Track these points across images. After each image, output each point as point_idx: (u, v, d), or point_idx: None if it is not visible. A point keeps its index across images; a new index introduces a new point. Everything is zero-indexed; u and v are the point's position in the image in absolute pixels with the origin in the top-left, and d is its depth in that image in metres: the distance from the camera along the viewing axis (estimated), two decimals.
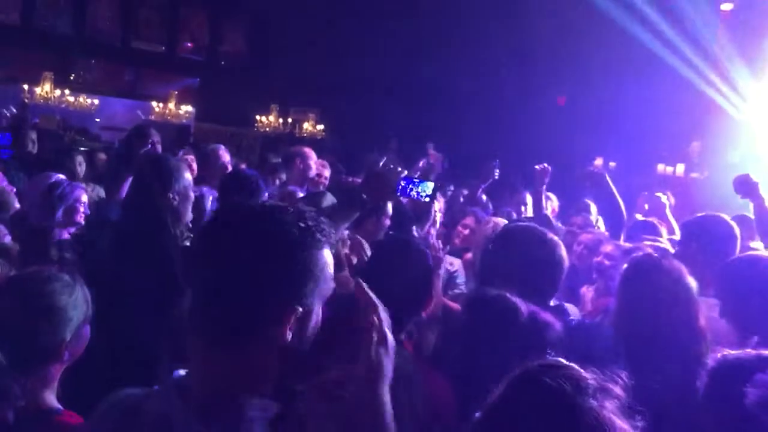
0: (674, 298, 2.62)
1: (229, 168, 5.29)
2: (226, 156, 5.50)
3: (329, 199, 3.39)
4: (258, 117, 16.21)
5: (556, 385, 1.26)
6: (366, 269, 2.60)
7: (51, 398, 1.93)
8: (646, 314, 2.25)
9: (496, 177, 6.11)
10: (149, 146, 4.56)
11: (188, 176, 3.00)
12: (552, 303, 2.73)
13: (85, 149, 8.50)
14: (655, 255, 2.79)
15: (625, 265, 2.74)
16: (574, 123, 11.45)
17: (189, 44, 17.19)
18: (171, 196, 2.86)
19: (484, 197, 6.64)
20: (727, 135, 9.99)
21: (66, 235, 3.80)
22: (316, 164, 5.70)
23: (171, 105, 16.37)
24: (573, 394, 1.25)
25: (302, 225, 1.24)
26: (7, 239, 3.72)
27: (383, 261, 2.48)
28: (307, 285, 1.24)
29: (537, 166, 5.65)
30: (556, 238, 2.81)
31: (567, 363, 1.33)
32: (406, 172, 2.85)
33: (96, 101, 15.69)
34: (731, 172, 5.75)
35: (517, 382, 1.33)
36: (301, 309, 1.23)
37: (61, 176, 4.67)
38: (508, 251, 2.70)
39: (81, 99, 15.44)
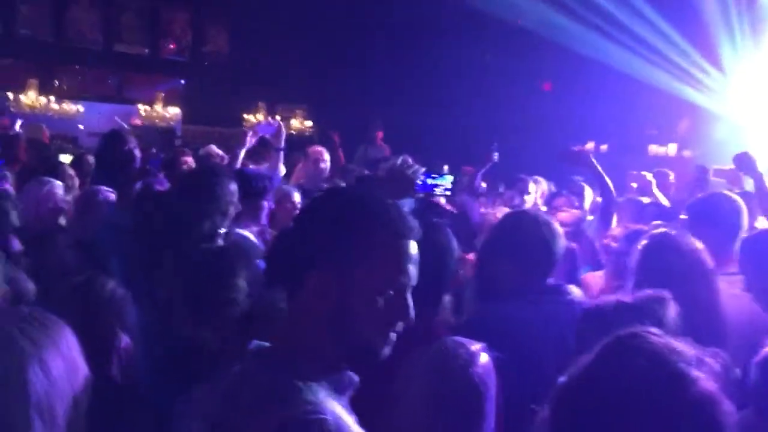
0: (692, 277, 2.65)
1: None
2: (218, 151, 5.49)
3: None
4: (245, 116, 16.13)
5: (659, 350, 1.19)
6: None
7: None
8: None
9: (496, 160, 5.92)
10: (126, 151, 4.49)
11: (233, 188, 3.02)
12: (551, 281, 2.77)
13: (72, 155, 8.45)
14: (673, 232, 2.82)
15: (644, 242, 2.76)
16: (560, 108, 11.46)
17: (172, 45, 17.06)
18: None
19: (483, 184, 6.57)
20: (712, 112, 10.05)
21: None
22: (315, 153, 5.68)
23: (158, 107, 16.26)
24: (677, 362, 1.17)
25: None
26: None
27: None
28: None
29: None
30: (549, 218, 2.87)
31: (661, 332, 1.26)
32: (424, 169, 2.88)
33: (81, 108, 15.53)
34: (720, 148, 5.78)
35: (614, 346, 1.25)
36: None
37: (58, 182, 4.65)
38: (507, 234, 2.75)
39: (65, 106, 15.27)
